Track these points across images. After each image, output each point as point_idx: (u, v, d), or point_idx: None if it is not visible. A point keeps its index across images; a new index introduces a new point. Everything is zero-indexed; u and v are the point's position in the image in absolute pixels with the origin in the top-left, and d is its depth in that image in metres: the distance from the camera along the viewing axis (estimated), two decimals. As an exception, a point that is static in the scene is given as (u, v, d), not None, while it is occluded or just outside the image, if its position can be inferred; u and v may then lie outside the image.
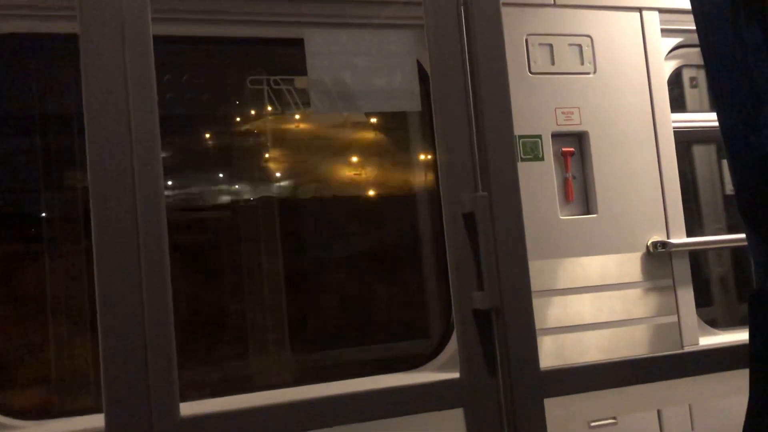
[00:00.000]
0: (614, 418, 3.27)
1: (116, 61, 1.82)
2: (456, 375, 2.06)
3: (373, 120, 3.64)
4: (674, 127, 3.62)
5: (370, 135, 3.80)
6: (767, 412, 2.11)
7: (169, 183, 3.35)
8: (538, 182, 3.33)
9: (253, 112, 3.54)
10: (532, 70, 3.40)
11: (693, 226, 3.88)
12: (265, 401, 1.93)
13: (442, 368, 3.25)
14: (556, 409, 2.12)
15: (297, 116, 3.44)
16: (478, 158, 2.09)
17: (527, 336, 2.04)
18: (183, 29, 3.07)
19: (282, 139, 3.66)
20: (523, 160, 3.29)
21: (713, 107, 2.33)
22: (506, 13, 2.19)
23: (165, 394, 1.76)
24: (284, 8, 3.13)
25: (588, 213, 3.43)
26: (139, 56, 1.84)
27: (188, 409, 1.80)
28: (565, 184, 3.41)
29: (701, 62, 2.46)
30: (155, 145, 1.83)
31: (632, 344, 3.35)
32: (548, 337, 3.23)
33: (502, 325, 2.02)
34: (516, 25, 3.36)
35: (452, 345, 3.26)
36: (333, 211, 3.87)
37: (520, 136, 3.29)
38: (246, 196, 3.65)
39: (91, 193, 1.78)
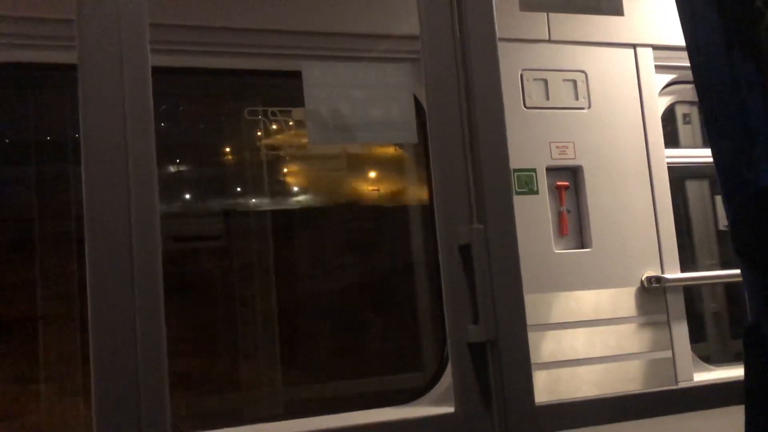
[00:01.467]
0: (609, 454, 3.24)
1: (115, 91, 1.83)
2: (451, 409, 2.05)
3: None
4: (668, 163, 3.63)
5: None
6: (763, 448, 2.10)
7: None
8: (533, 215, 3.33)
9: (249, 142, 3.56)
10: (527, 105, 3.42)
11: (687, 262, 3.89)
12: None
13: (437, 402, 3.23)
14: (550, 444, 2.10)
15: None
16: (474, 191, 2.10)
17: (522, 370, 2.03)
18: (181, 60, 3.08)
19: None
20: (518, 193, 3.30)
21: (708, 143, 2.35)
22: (502, 47, 2.21)
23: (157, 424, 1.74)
24: (283, 41, 3.15)
25: (582, 247, 3.44)
26: (138, 86, 1.85)
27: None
28: (559, 217, 3.42)
29: (695, 99, 2.48)
30: (152, 174, 1.83)
31: (626, 379, 3.34)
32: (542, 372, 3.21)
33: (497, 358, 2.02)
34: (511, 60, 3.38)
35: (446, 378, 3.24)
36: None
37: (515, 170, 3.30)
38: (235, 226, 3.65)
39: (86, 221, 1.77)
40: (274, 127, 3.39)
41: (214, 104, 3.61)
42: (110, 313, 1.75)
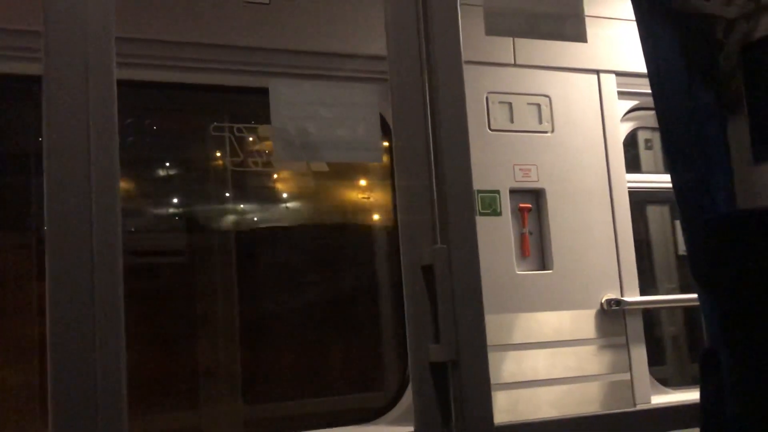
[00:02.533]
0: (567, 475, 3.26)
1: (79, 104, 1.82)
2: (410, 428, 2.05)
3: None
4: (629, 187, 3.69)
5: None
6: (717, 471, 2.13)
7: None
8: (496, 237, 3.36)
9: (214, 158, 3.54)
10: (492, 127, 3.46)
11: (646, 285, 3.94)
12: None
13: (397, 421, 3.23)
14: (509, 465, 2.11)
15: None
16: (438, 211, 2.11)
17: (482, 390, 2.04)
18: (148, 75, 3.07)
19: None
20: (481, 214, 3.32)
21: (667, 169, 2.39)
22: (467, 70, 2.23)
23: (114, 442, 1.72)
24: (251, 57, 3.15)
25: (544, 269, 3.47)
26: (103, 100, 1.84)
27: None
28: (522, 239, 3.45)
29: (656, 125, 2.52)
30: (114, 187, 1.82)
31: (585, 401, 3.37)
32: (502, 392, 3.23)
33: (458, 378, 2.02)
34: (477, 83, 3.42)
35: (407, 398, 3.24)
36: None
37: (479, 191, 3.33)
38: (195, 240, 3.62)
39: (47, 234, 1.75)
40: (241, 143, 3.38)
41: (180, 119, 3.59)
42: (69, 324, 1.73)
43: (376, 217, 3.87)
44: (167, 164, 3.65)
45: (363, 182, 3.84)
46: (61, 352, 1.71)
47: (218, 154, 3.51)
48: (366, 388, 3.74)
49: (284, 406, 3.63)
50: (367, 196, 3.85)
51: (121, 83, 1.87)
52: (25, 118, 3.22)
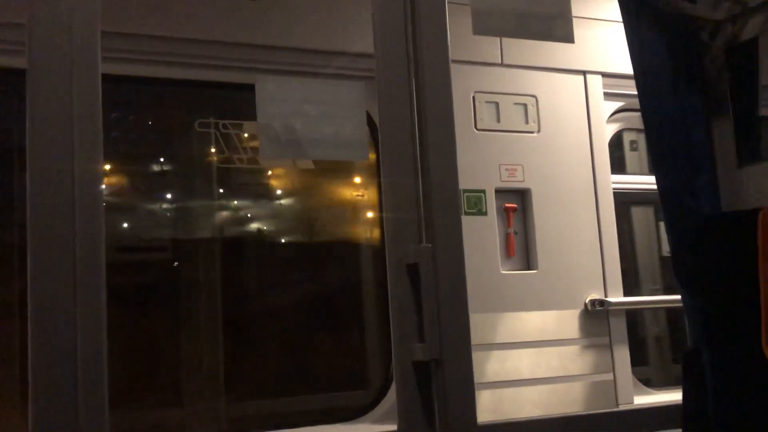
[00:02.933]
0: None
1: (63, 98, 1.80)
2: (393, 427, 2.04)
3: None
4: (614, 188, 3.70)
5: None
6: (699, 471, 2.14)
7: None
8: (481, 236, 3.36)
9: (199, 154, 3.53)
10: (478, 127, 3.46)
11: (630, 286, 3.95)
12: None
13: (380, 420, 3.23)
14: (492, 464, 2.11)
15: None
16: (423, 210, 2.11)
17: (466, 389, 2.04)
18: (133, 69, 3.05)
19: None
20: (466, 213, 3.32)
21: (652, 170, 2.40)
22: (455, 69, 2.23)
23: (95, 438, 1.71)
24: (237, 54, 3.14)
25: (528, 269, 3.47)
26: (88, 94, 1.83)
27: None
28: (507, 239, 3.45)
29: (642, 126, 2.54)
30: (98, 182, 1.81)
31: (568, 401, 3.37)
32: (486, 391, 3.23)
33: (441, 377, 2.02)
34: (464, 82, 3.42)
35: (391, 396, 3.24)
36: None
37: (465, 190, 3.33)
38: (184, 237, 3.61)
39: (29, 230, 1.74)
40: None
41: (165, 114, 3.58)
42: (51, 323, 1.72)
43: (362, 215, 3.86)
44: (152, 159, 3.63)
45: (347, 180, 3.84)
46: (42, 350, 1.70)
47: (204, 150, 3.49)
48: (351, 386, 3.74)
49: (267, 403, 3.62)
50: (357, 193, 3.85)
51: (105, 77, 1.86)
52: (8, 112, 3.19)
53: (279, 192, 3.85)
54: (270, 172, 3.72)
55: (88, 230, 1.78)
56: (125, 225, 3.50)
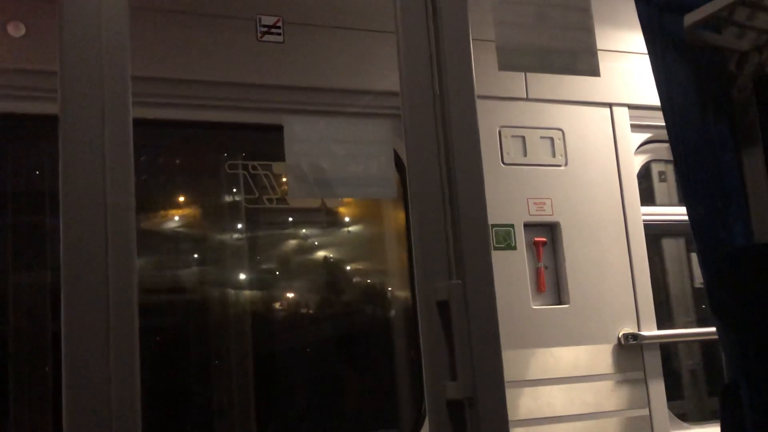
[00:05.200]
0: None
1: (95, 143, 1.83)
2: (428, 467, 2.02)
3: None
4: (644, 220, 3.67)
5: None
6: None
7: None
8: (511, 271, 3.35)
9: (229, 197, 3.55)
10: (505, 161, 3.46)
11: (663, 318, 3.90)
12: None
13: (413, 459, 3.20)
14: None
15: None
16: (453, 246, 2.10)
17: (500, 427, 2.01)
18: (163, 113, 3.09)
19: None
20: (496, 248, 3.31)
21: (683, 201, 2.38)
22: (480, 105, 2.23)
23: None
24: (264, 95, 3.17)
25: (560, 303, 3.45)
26: (119, 138, 1.85)
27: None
28: (537, 273, 3.43)
29: (670, 157, 2.52)
30: (130, 225, 1.83)
31: (604, 437, 3.33)
32: (520, 429, 3.19)
33: (476, 416, 2.00)
34: (490, 117, 3.43)
35: (423, 435, 3.21)
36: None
37: (493, 225, 3.32)
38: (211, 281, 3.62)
39: (62, 275, 1.75)
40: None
41: (196, 156, 3.61)
42: (84, 371, 1.73)
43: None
44: (181, 201, 3.66)
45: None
46: (76, 396, 1.71)
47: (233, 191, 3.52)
48: (384, 426, 3.71)
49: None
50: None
51: (136, 122, 1.88)
52: (41, 157, 3.24)
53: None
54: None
55: (121, 273, 1.79)
56: (156, 265, 3.52)
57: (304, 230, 3.80)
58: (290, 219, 3.74)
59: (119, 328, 1.75)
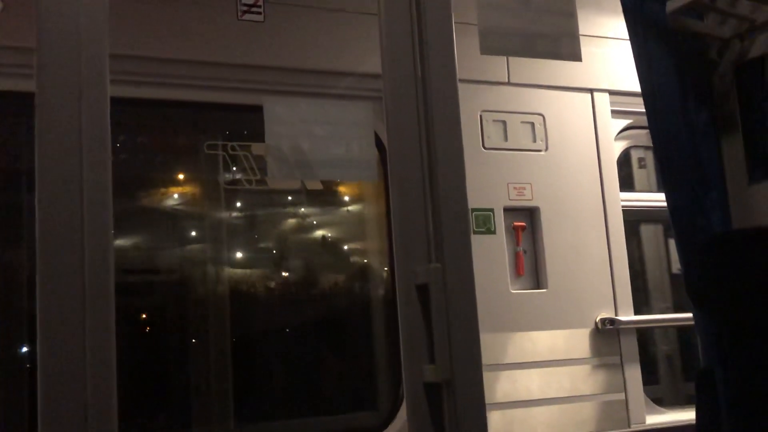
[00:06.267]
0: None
1: (72, 121, 1.80)
2: (405, 449, 2.03)
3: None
4: (623, 206, 3.69)
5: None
6: (714, 493, 2.11)
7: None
8: (490, 255, 3.35)
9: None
10: (486, 146, 3.46)
11: (640, 304, 3.93)
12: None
13: (390, 442, 3.21)
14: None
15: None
16: (433, 230, 2.10)
17: (477, 411, 2.02)
18: (142, 92, 3.05)
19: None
20: (475, 233, 3.31)
21: (662, 188, 2.39)
22: (462, 89, 2.23)
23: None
24: (244, 75, 3.14)
25: (538, 287, 3.46)
26: (96, 117, 1.83)
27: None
28: (516, 257, 3.44)
29: (650, 144, 2.53)
30: (107, 206, 1.81)
31: (580, 421, 3.35)
32: (497, 412, 3.21)
33: (453, 398, 2.00)
34: (471, 101, 3.42)
35: (401, 417, 3.22)
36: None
37: (473, 209, 3.32)
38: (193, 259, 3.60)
39: (38, 254, 1.73)
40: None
41: (174, 136, 3.58)
42: (59, 345, 1.71)
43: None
44: (160, 181, 3.63)
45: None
46: (51, 372, 1.69)
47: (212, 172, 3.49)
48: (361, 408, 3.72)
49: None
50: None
51: (113, 100, 1.86)
52: (17, 135, 3.20)
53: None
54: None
55: (97, 252, 1.78)
56: (133, 244, 3.50)
57: (285, 210, 3.79)
58: (271, 200, 3.73)
59: (96, 306, 1.74)
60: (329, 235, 3.87)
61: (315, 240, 3.85)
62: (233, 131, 3.42)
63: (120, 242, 3.31)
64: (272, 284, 3.78)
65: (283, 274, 3.82)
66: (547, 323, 3.40)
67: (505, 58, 3.50)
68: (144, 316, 3.52)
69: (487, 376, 2.07)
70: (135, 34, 2.97)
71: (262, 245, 3.84)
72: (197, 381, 3.48)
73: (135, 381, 3.24)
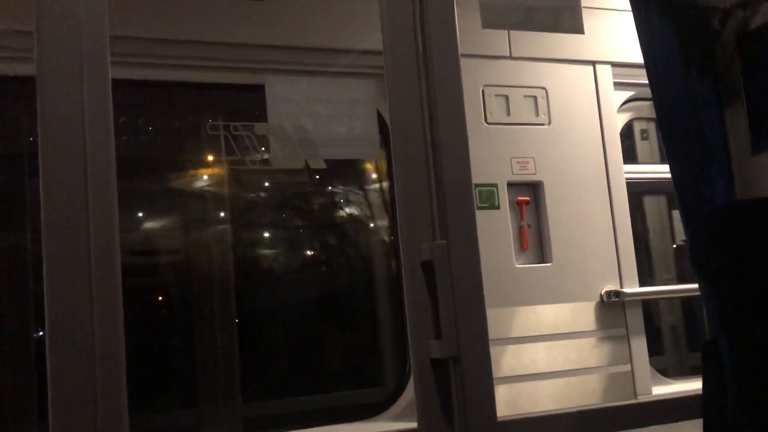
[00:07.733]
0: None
1: (74, 104, 1.80)
2: (413, 424, 2.04)
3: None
4: (626, 178, 3.68)
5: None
6: (720, 462, 2.13)
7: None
8: (494, 230, 3.35)
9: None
10: (489, 121, 3.45)
11: (644, 276, 3.93)
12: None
13: (398, 417, 3.22)
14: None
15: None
16: (437, 206, 2.10)
17: (485, 385, 2.03)
18: (143, 73, 3.05)
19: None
20: (479, 208, 3.31)
21: (666, 160, 2.38)
22: (464, 63, 2.22)
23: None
24: (245, 54, 3.13)
25: (543, 262, 3.46)
26: (98, 99, 1.83)
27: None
28: (520, 232, 3.44)
29: (653, 115, 2.52)
30: (111, 186, 1.81)
31: (586, 393, 3.36)
32: (503, 386, 3.22)
33: (460, 373, 2.01)
34: (473, 76, 3.40)
35: (408, 393, 3.23)
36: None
37: (477, 185, 3.31)
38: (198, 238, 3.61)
39: (44, 235, 1.74)
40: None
41: (176, 117, 3.58)
42: (68, 324, 1.72)
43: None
44: (162, 162, 3.64)
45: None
46: (60, 353, 1.70)
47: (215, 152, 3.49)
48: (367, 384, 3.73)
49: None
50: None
51: (115, 82, 1.85)
52: (18, 119, 3.20)
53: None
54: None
55: (103, 233, 1.78)
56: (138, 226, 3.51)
57: (288, 191, 3.79)
58: (274, 180, 3.73)
59: (102, 287, 1.75)
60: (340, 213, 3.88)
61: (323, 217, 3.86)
62: (236, 111, 3.41)
63: (125, 223, 3.32)
64: (277, 264, 3.79)
65: (291, 252, 3.83)
66: (553, 297, 3.41)
67: (506, 32, 3.48)
68: (150, 296, 3.54)
69: (492, 350, 2.08)
70: (135, 15, 2.95)
71: (267, 224, 3.84)
72: (203, 358, 3.50)
73: (143, 359, 3.26)
